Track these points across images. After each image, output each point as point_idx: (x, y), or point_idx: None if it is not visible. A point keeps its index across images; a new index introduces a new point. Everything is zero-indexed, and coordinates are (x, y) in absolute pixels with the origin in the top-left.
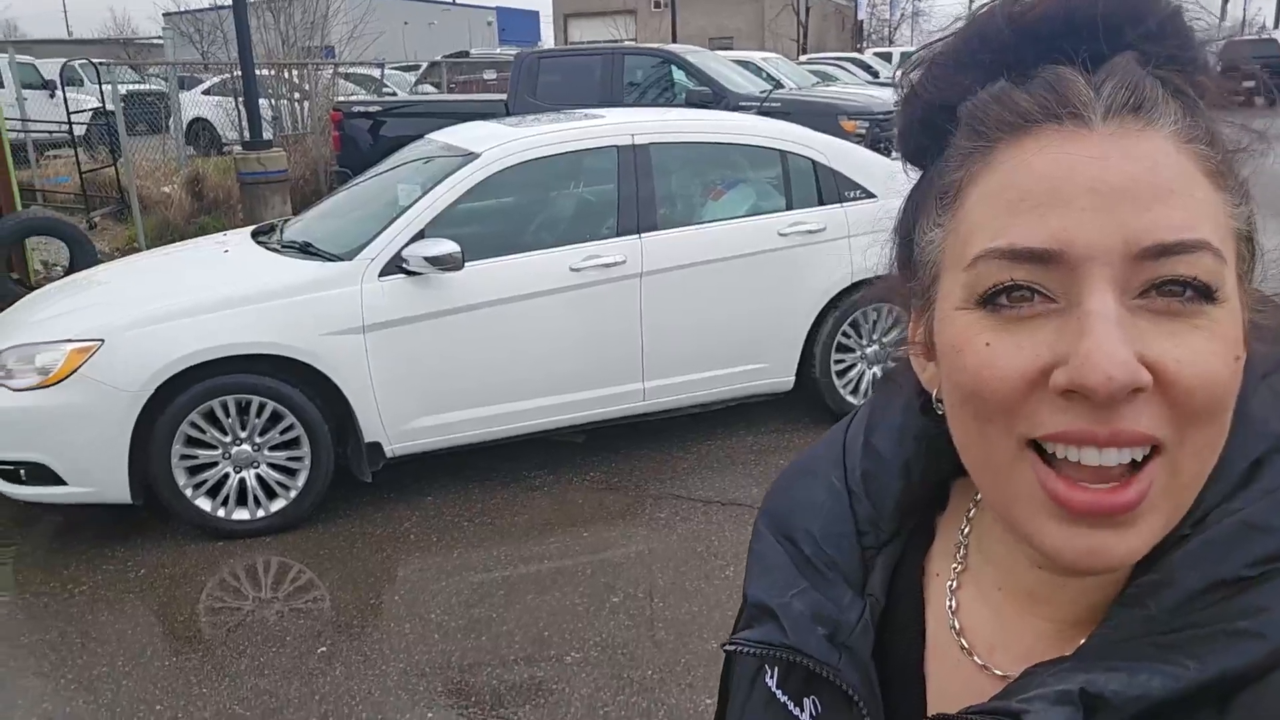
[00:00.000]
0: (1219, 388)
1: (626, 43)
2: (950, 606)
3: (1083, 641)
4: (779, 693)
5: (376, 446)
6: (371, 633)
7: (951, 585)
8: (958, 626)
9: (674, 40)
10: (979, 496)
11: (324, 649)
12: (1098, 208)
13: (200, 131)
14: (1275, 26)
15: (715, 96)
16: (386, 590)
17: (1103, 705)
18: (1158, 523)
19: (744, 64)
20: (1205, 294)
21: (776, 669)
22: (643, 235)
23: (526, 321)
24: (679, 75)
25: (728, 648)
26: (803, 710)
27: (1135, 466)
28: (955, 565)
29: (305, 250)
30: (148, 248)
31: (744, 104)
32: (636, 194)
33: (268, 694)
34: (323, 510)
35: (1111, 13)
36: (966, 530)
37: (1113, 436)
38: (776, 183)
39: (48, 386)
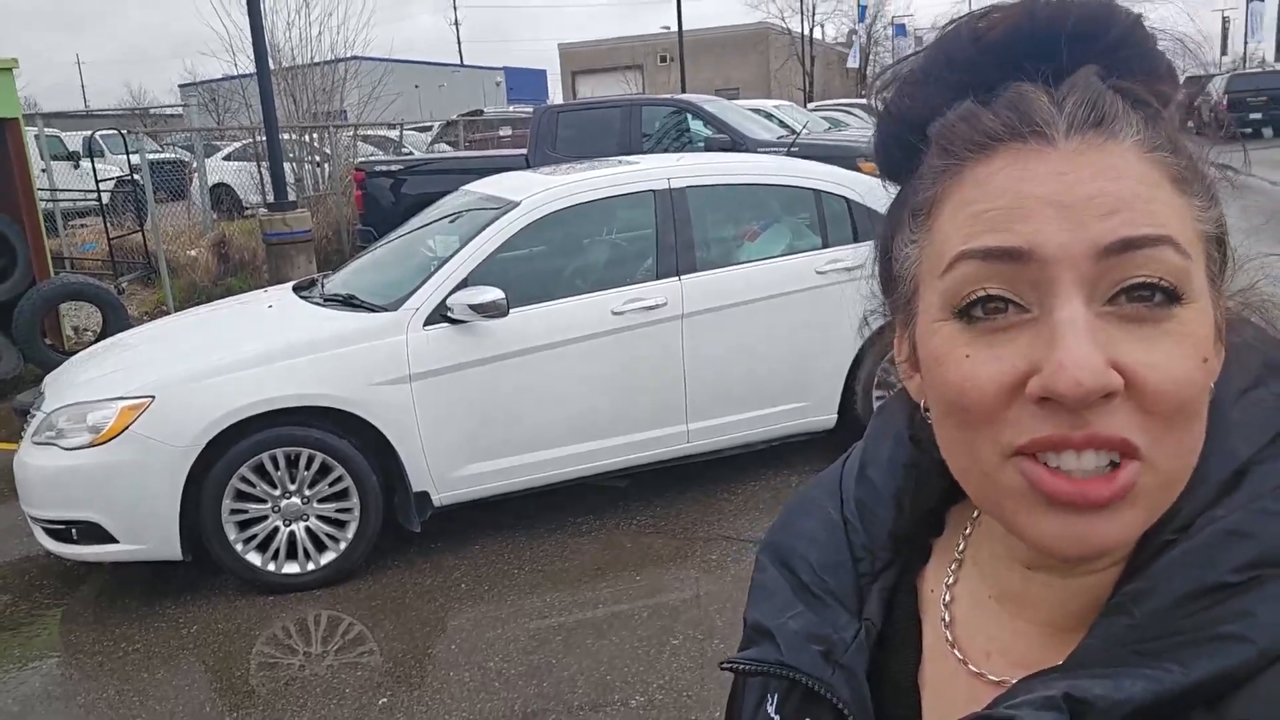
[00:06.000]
0: (1188, 390)
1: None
2: (944, 619)
3: (1074, 648)
4: (776, 717)
5: (424, 496)
6: (431, 683)
7: (945, 599)
8: (951, 638)
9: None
10: (976, 516)
11: (385, 700)
12: (1061, 218)
13: (222, 196)
14: (1276, 60)
15: (733, 144)
16: (442, 640)
17: (1087, 710)
18: (1140, 515)
19: (757, 111)
20: (1173, 296)
21: (776, 694)
22: (683, 277)
23: (571, 366)
24: (695, 125)
25: (724, 666)
26: None
27: (1114, 466)
28: (948, 579)
29: (348, 303)
30: (176, 310)
31: (762, 150)
32: (675, 237)
33: None
34: (372, 562)
35: (1072, 28)
36: (962, 548)
37: (1087, 440)
38: (811, 222)
39: (99, 445)
